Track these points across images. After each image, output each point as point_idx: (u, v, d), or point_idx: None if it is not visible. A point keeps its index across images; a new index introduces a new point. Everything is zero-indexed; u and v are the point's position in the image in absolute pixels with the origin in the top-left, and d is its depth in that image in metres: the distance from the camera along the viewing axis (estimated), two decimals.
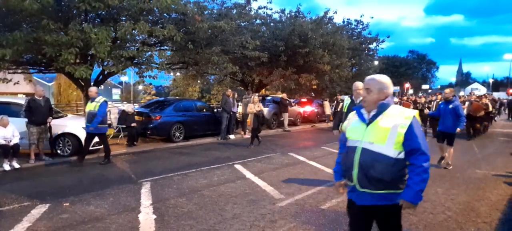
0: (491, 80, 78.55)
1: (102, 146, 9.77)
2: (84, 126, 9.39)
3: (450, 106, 7.93)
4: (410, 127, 2.43)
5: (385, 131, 2.46)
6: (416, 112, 2.51)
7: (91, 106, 8.42)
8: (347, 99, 6.55)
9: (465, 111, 13.05)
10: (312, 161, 9.08)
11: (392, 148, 2.45)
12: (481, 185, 6.82)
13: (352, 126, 2.71)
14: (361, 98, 5.49)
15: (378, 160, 2.46)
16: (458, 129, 7.84)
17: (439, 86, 73.50)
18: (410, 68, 67.17)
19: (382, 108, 2.53)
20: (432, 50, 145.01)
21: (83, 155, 8.51)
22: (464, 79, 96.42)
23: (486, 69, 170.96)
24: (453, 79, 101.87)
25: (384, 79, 2.62)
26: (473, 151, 11.09)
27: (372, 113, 2.58)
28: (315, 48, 17.03)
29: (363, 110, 2.65)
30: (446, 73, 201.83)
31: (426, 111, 9.86)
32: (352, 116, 2.77)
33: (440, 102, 14.35)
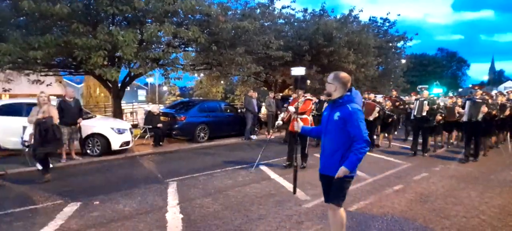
0: None
1: (129, 146, 10.02)
2: (113, 126, 9.67)
3: (336, 115, 3.48)
4: None
5: None
6: None
7: None
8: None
9: (465, 118, 9.31)
10: None
11: None
12: None
13: None
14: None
15: None
16: (343, 170, 3.35)
17: (470, 86, 70.71)
18: (439, 67, 65.07)
19: None
20: (461, 48, 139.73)
21: None
22: (497, 78, 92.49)
23: None
24: (485, 78, 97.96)
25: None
26: (508, 152, 10.61)
27: None
28: (340, 47, 16.75)
29: None
30: (478, 71, 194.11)
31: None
32: None
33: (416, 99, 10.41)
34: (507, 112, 10.36)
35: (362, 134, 3.30)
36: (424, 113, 9.73)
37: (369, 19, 23.77)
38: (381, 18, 24.37)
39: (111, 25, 10.52)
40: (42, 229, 4.51)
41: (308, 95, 8.60)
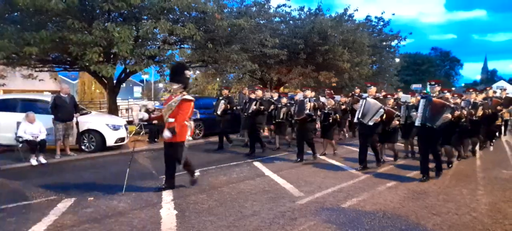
0: None
1: (124, 142, 10.01)
2: (108, 122, 9.66)
3: None
4: None
5: None
6: None
7: None
8: None
9: (417, 121, 6.88)
10: (332, 159, 8.99)
11: None
12: (508, 186, 6.60)
13: None
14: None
15: None
16: None
17: (463, 85, 71.23)
18: (432, 66, 65.55)
19: None
20: (454, 47, 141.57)
21: None
22: (490, 77, 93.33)
23: None
24: (478, 77, 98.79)
25: None
26: (499, 151, 10.74)
27: None
28: (335, 46, 16.85)
29: None
30: (471, 71, 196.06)
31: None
32: None
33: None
34: (480, 112, 8.67)
35: None
36: (371, 124, 7.40)
37: (365, 19, 23.94)
38: (375, 17, 24.58)
39: (106, 21, 10.49)
40: (35, 225, 4.50)
41: (187, 95, 6.08)
